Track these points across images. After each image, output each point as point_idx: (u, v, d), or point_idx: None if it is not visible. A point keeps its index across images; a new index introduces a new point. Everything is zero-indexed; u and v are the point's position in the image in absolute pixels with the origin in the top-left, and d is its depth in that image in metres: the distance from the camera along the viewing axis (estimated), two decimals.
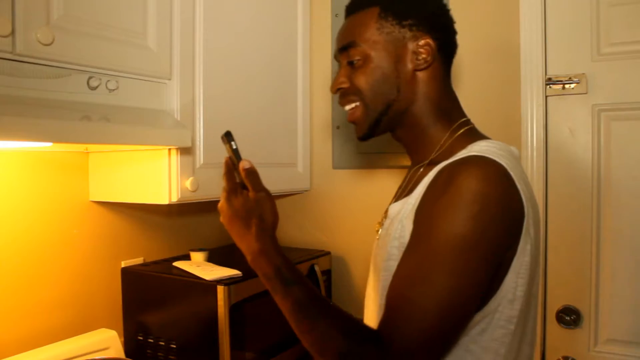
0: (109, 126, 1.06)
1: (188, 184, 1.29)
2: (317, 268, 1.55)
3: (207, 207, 1.84)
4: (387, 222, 0.90)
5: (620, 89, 1.36)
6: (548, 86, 1.43)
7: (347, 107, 0.93)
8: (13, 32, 0.92)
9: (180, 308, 1.33)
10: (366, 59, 0.88)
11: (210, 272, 1.32)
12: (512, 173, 0.75)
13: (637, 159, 1.34)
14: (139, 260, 1.55)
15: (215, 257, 1.53)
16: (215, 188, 1.39)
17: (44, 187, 1.33)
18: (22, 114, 0.91)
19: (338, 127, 1.78)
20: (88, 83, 1.08)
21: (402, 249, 0.78)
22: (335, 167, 1.79)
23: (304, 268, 1.53)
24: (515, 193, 0.74)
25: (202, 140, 1.35)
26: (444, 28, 0.91)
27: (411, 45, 0.88)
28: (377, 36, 0.88)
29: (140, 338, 1.40)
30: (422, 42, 0.87)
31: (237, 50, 1.48)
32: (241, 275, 1.31)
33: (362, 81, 0.89)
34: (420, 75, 0.89)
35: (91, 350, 1.31)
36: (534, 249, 0.77)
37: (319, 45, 1.80)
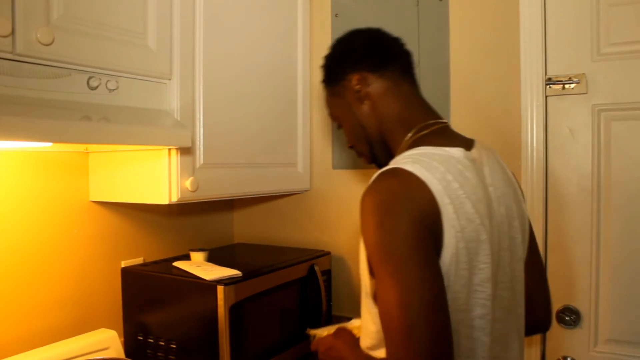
0: (109, 126, 1.06)
1: (188, 184, 1.29)
2: (317, 268, 1.55)
3: (207, 207, 1.85)
4: None
5: (620, 89, 1.36)
6: (548, 86, 1.43)
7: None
8: (13, 32, 0.92)
9: (180, 308, 1.33)
10: (341, 123, 1.09)
11: (210, 272, 1.32)
12: (422, 174, 0.79)
13: (637, 159, 1.34)
14: (139, 260, 1.55)
15: (215, 257, 1.53)
16: (214, 188, 1.39)
17: (44, 187, 1.33)
18: (22, 114, 0.91)
19: (338, 127, 1.77)
20: (88, 83, 1.08)
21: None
22: (335, 167, 1.79)
23: (304, 268, 1.53)
24: (420, 191, 0.78)
25: (202, 140, 1.35)
26: (363, 55, 1.00)
27: (349, 89, 1.01)
28: (333, 101, 1.07)
29: (140, 338, 1.40)
30: (352, 82, 1.00)
31: (237, 50, 1.48)
32: (241, 275, 1.31)
33: (349, 139, 1.08)
34: (368, 103, 1.00)
35: (91, 350, 1.31)
36: (463, 241, 0.79)
37: (319, 45, 1.79)
